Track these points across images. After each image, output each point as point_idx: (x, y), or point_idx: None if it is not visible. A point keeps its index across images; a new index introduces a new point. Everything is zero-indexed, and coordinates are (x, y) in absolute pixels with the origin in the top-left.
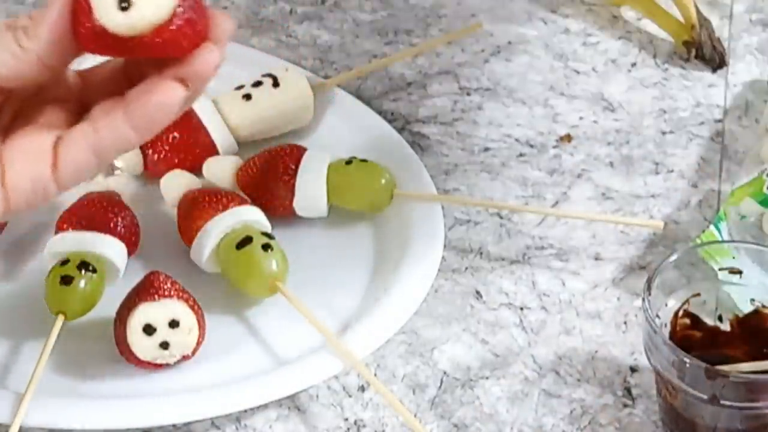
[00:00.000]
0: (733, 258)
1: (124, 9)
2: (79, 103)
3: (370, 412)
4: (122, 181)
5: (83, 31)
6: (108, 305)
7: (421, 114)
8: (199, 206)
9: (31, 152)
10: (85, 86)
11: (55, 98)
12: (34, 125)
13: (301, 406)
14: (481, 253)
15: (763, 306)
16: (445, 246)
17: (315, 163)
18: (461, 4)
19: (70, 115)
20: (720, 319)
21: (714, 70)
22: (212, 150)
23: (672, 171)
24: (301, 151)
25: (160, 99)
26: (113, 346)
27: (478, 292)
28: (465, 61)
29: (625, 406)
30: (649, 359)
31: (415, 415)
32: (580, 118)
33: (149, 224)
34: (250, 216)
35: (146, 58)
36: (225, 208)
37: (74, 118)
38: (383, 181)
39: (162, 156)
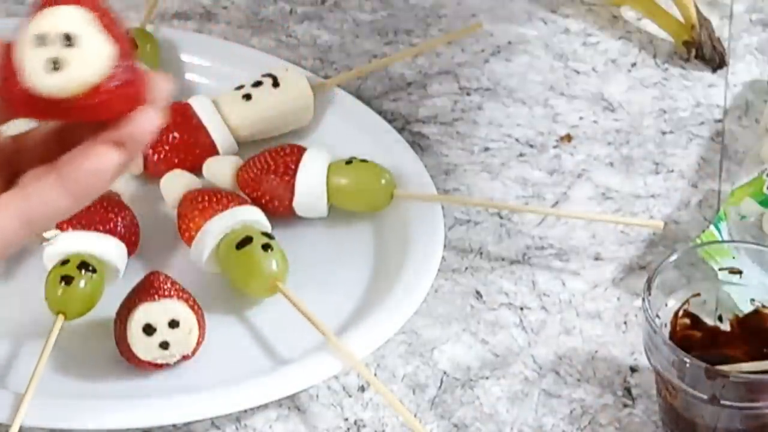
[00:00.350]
0: (733, 258)
1: (54, 70)
2: (10, 169)
3: (370, 412)
4: (122, 181)
5: (12, 94)
6: (108, 305)
7: (421, 114)
8: (199, 206)
9: None
10: (18, 151)
11: None
12: None
13: (301, 406)
14: (481, 253)
15: (763, 306)
16: (445, 246)
17: (315, 163)
18: (461, 4)
19: (1, 183)
20: (720, 319)
21: (714, 70)
22: (212, 150)
23: (672, 171)
24: (301, 151)
25: (94, 164)
26: (113, 346)
27: (478, 292)
28: (465, 61)
29: (625, 406)
30: (649, 359)
31: (415, 415)
32: (580, 118)
33: (149, 224)
34: (250, 216)
35: (81, 121)
36: (225, 208)
37: (5, 186)
38: (383, 181)
39: (162, 156)
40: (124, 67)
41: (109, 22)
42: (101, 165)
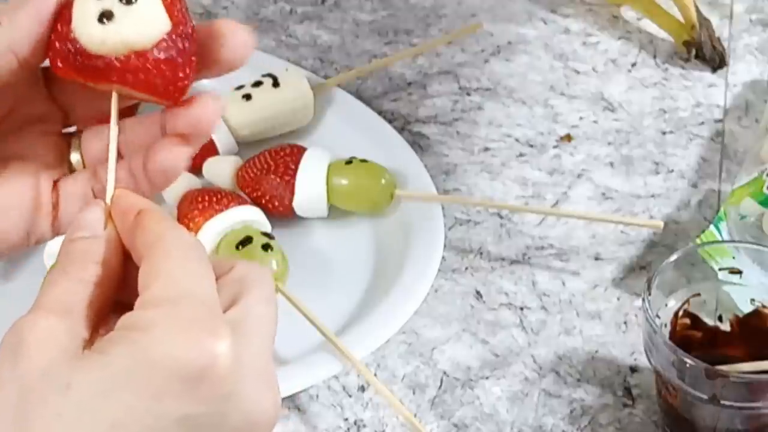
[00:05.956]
0: (733, 258)
1: (103, 21)
2: (62, 120)
3: (370, 412)
4: None
5: (55, 43)
6: None
7: (421, 114)
8: (199, 206)
9: (26, 199)
10: (67, 101)
11: (36, 120)
12: (22, 163)
13: (301, 406)
14: (481, 253)
15: (763, 306)
16: (445, 246)
17: (315, 163)
18: (461, 4)
19: (57, 139)
20: (720, 319)
21: (714, 70)
22: (212, 150)
23: (672, 171)
24: (301, 151)
25: (166, 162)
26: None
27: (478, 292)
28: (465, 61)
29: (625, 406)
30: (649, 359)
31: (415, 415)
32: (580, 118)
33: None
34: (250, 216)
35: (116, 90)
36: (225, 208)
37: (62, 143)
38: (383, 181)
39: None
40: (175, 45)
41: (172, 1)
42: (172, 162)
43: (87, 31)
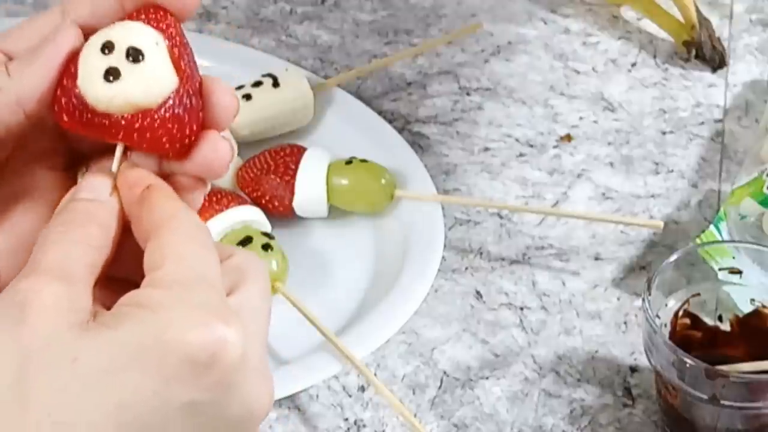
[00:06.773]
0: (733, 258)
1: (109, 80)
2: (68, 154)
3: (370, 412)
4: None
5: (61, 98)
6: None
7: (421, 114)
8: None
9: (34, 237)
10: (73, 139)
11: (42, 157)
12: (29, 200)
13: (301, 406)
14: (481, 253)
15: (763, 306)
16: (445, 246)
17: (315, 163)
18: (461, 4)
19: (63, 175)
20: (720, 319)
21: (714, 70)
22: None
23: (672, 171)
24: (301, 151)
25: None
26: None
27: (478, 292)
28: (465, 61)
29: (625, 406)
30: (649, 359)
31: (415, 415)
32: (580, 118)
33: None
34: (250, 216)
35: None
36: (225, 208)
37: (68, 178)
38: (383, 181)
39: None
40: (181, 103)
41: (180, 54)
42: (188, 202)
43: (93, 89)
